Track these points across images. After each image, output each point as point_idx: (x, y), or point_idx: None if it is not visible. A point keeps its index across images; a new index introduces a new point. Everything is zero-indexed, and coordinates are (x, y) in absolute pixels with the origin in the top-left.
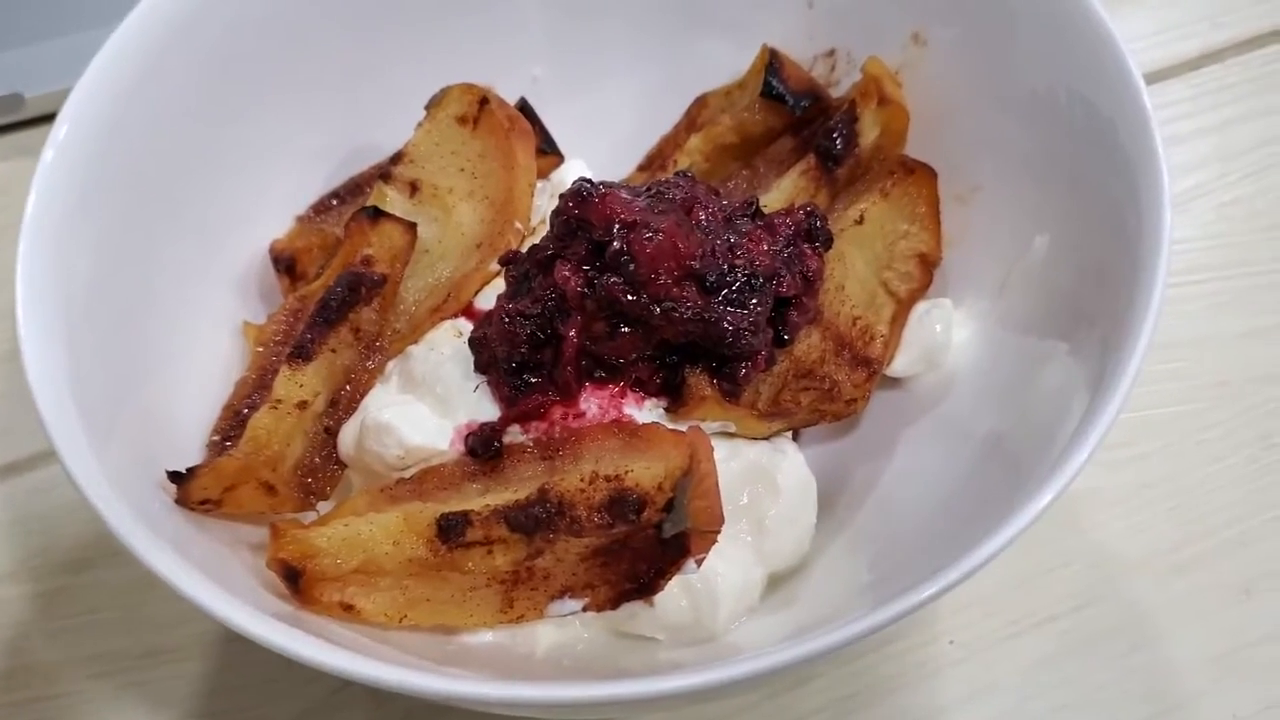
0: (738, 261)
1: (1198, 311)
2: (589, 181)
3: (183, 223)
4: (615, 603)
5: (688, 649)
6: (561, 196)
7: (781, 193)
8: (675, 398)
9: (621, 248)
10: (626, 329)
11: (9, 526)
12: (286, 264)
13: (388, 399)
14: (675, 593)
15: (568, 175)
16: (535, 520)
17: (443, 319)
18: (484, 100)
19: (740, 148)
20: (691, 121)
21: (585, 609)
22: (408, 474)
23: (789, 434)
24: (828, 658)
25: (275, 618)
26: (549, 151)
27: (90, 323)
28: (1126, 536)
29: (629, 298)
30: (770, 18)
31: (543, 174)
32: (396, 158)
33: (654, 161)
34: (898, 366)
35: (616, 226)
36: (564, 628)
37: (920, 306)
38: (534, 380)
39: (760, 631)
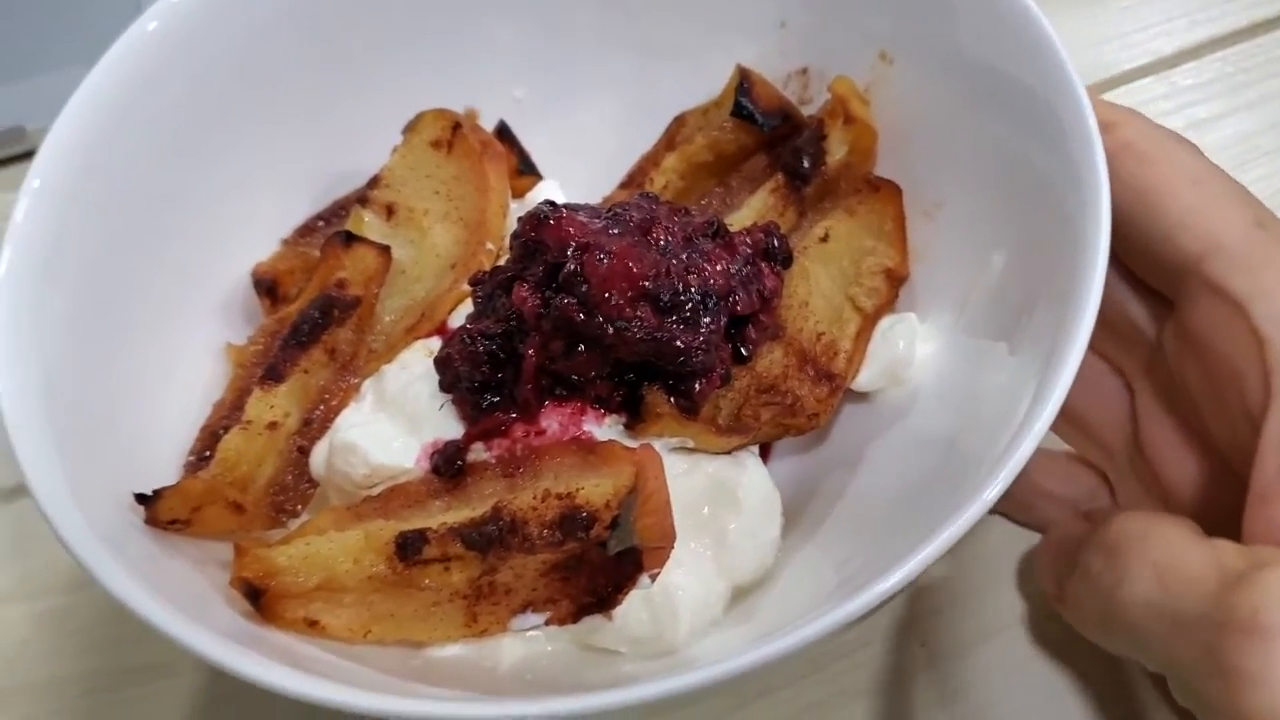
0: (692, 281)
1: None
2: (551, 204)
3: (163, 254)
4: (576, 617)
5: (650, 661)
6: (520, 219)
7: (751, 210)
8: (634, 414)
9: (575, 269)
10: (583, 348)
11: (12, 547)
12: (267, 286)
13: (357, 418)
14: (636, 606)
15: (540, 197)
16: (488, 538)
17: (417, 338)
18: (457, 125)
19: (715, 165)
20: (670, 140)
21: (547, 623)
22: (375, 492)
23: (754, 448)
24: (782, 663)
25: (239, 637)
26: (527, 172)
27: (67, 357)
28: None
29: (582, 318)
30: (746, 36)
31: (521, 194)
32: (373, 182)
33: (634, 180)
34: (862, 381)
35: (571, 248)
36: (529, 641)
37: (885, 321)
38: (495, 399)
39: (723, 643)
